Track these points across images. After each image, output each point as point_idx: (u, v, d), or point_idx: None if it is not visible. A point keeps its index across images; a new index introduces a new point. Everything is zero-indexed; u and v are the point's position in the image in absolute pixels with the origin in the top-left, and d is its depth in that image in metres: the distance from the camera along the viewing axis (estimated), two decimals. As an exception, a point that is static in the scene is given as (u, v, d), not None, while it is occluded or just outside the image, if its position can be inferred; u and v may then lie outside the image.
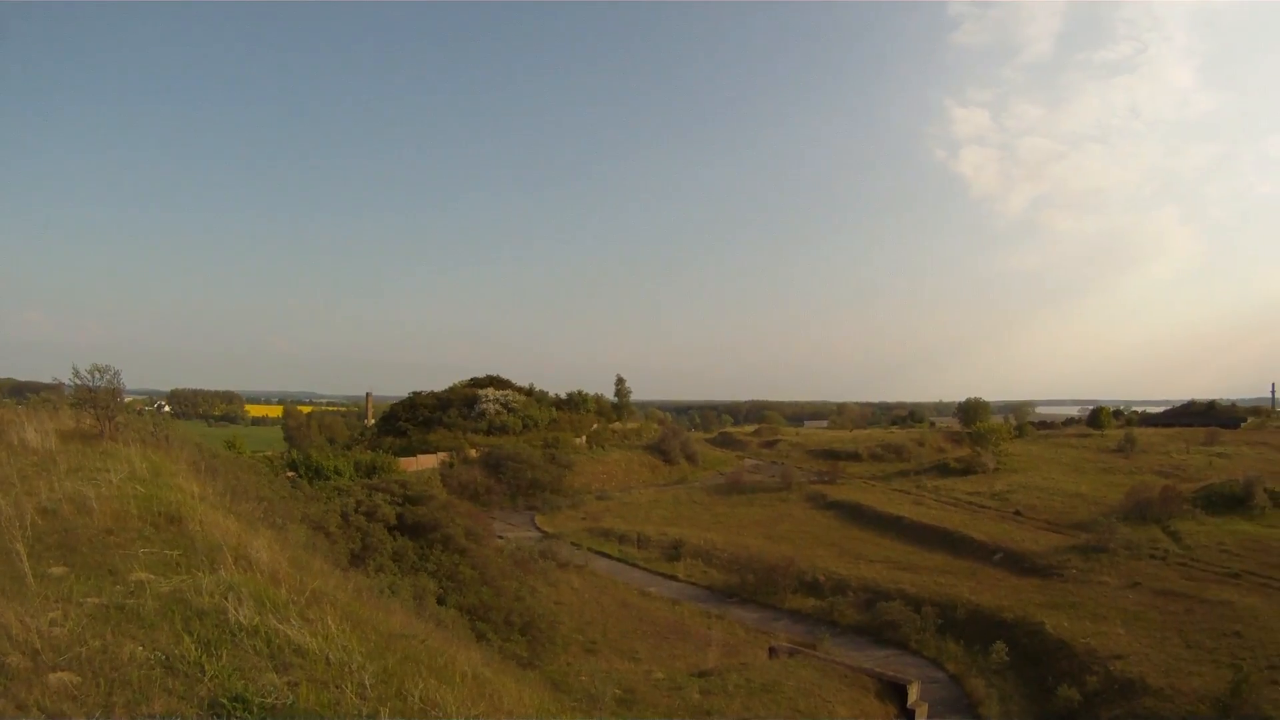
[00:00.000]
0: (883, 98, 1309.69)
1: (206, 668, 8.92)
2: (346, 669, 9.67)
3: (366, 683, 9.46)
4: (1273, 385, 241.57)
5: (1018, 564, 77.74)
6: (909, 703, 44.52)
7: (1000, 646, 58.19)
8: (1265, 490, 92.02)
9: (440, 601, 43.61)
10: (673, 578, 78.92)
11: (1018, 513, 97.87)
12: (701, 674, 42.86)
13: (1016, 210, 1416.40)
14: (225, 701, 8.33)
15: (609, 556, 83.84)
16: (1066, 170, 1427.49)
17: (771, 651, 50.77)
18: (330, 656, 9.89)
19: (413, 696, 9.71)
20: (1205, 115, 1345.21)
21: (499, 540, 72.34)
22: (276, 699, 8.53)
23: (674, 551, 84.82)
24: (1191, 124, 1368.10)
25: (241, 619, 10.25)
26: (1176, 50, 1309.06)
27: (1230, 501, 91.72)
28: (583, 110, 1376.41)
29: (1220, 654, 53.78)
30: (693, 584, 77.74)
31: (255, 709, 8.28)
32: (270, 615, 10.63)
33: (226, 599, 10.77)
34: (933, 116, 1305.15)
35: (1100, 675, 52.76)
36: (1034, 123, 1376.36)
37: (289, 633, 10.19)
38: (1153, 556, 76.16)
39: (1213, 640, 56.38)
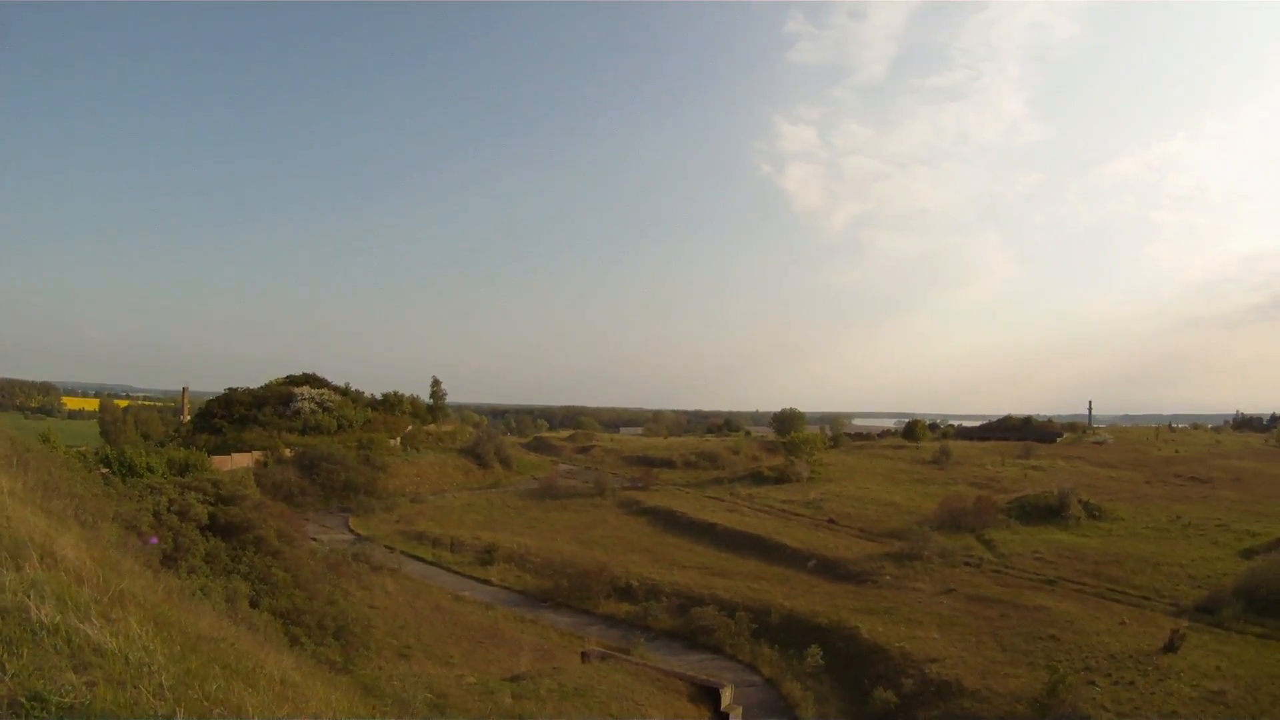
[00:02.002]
0: (711, 110, 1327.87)
1: (7, 666, 8.65)
2: (146, 669, 9.42)
3: (165, 684, 9.18)
4: (1089, 402, 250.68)
5: (831, 570, 78.76)
6: (723, 706, 45.08)
7: (815, 650, 58.98)
8: (1079, 501, 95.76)
9: (253, 604, 42.77)
10: (486, 582, 78.54)
11: (831, 521, 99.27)
12: (514, 678, 42.84)
13: (839, 227, 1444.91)
14: (24, 700, 8.13)
15: (422, 560, 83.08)
16: (891, 190, 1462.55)
17: (584, 656, 50.96)
18: (130, 657, 9.64)
19: (213, 698, 9.55)
20: (1033, 145, 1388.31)
21: (312, 542, 71.35)
22: (74, 698, 8.32)
23: (487, 556, 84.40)
24: (1018, 152, 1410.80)
25: (43, 618, 10.00)
26: (1009, 80, 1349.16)
27: (1044, 512, 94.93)
28: (401, 111, 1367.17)
29: (1036, 657, 55.28)
30: (506, 588, 77.45)
31: (53, 708, 8.11)
32: (72, 614, 10.37)
33: (29, 597, 10.52)
34: (761, 131, 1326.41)
35: (916, 678, 53.76)
36: (862, 143, 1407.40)
37: (90, 632, 9.95)
38: (967, 564, 78.22)
39: (1028, 644, 57.95)
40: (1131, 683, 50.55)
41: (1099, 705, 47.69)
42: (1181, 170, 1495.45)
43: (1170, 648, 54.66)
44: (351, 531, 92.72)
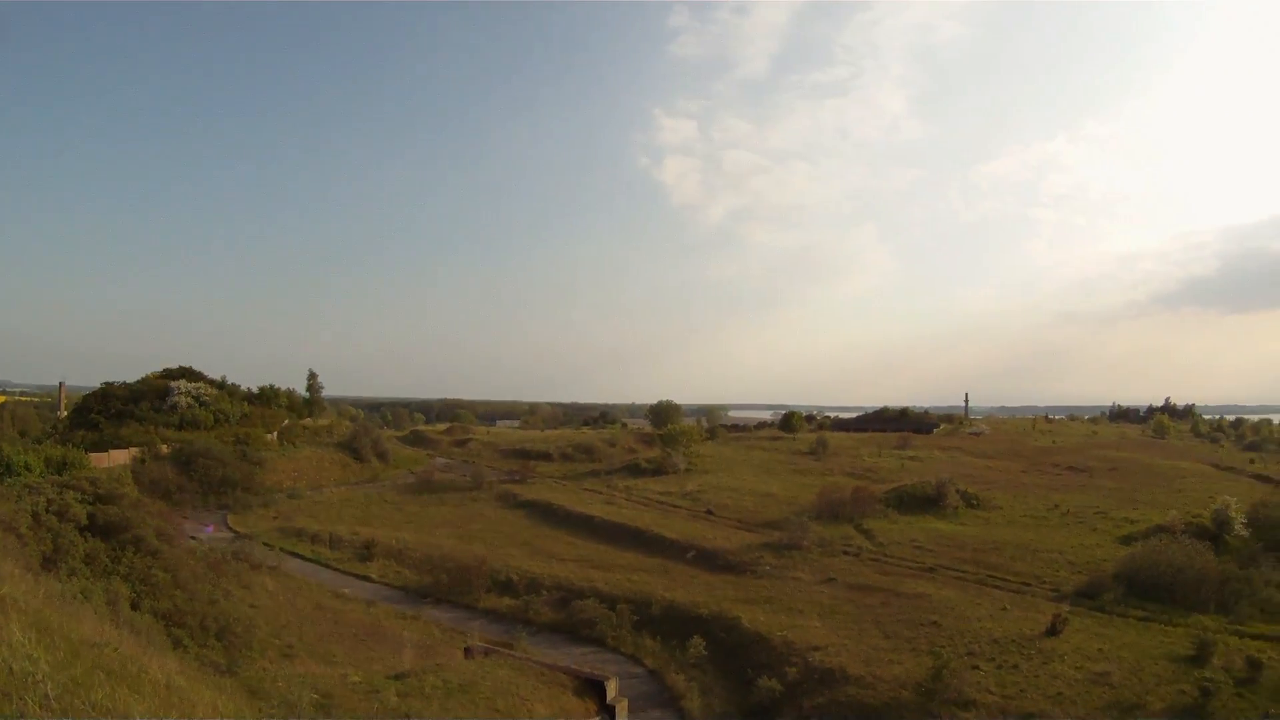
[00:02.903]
0: (591, 102, 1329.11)
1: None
2: (30, 679, 9.36)
3: (50, 693, 9.14)
4: (965, 395, 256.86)
5: (711, 561, 79.57)
6: (609, 698, 45.20)
7: (698, 641, 59.38)
8: (957, 491, 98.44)
9: (134, 607, 42.02)
10: (366, 578, 77.81)
11: (709, 512, 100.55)
12: (398, 676, 42.50)
13: (716, 220, 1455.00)
14: (-97, 717, 8.15)
15: (302, 557, 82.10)
16: (768, 184, 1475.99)
17: (467, 652, 50.78)
18: (14, 667, 9.60)
19: (99, 707, 9.48)
20: (913, 142, 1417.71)
21: (191, 541, 70.39)
22: (-43, 712, 8.34)
23: (366, 551, 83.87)
24: (898, 149, 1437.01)
25: (-77, 628, 9.99)
26: (891, 79, 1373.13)
27: (923, 502, 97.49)
28: (282, 104, 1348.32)
29: (919, 643, 56.47)
30: (387, 584, 76.77)
31: None
32: (-50, 623, 10.36)
33: (-98, 606, 10.50)
34: (640, 124, 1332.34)
35: (800, 666, 54.41)
36: (740, 137, 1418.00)
37: (-30, 642, 9.95)
38: (846, 553, 79.70)
39: (910, 630, 59.14)
40: (1015, 666, 51.88)
41: (984, 689, 48.87)
42: (1061, 170, 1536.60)
43: (1053, 631, 56.33)
44: (230, 529, 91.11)
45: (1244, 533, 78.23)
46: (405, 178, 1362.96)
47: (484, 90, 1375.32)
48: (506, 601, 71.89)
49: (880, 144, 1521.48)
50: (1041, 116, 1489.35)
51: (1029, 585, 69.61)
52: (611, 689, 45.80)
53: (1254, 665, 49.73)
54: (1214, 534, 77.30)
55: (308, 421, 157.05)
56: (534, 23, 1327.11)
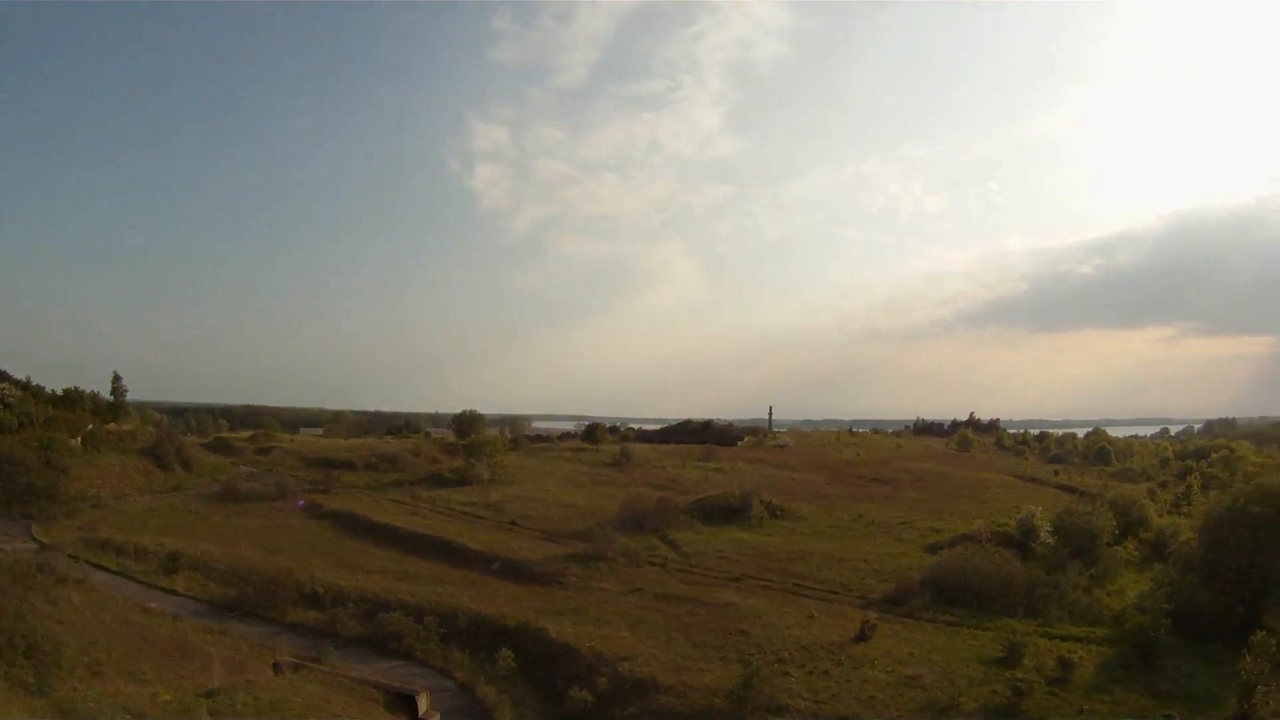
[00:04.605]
0: (404, 104, 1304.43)
1: None
2: None
3: None
4: (770, 408, 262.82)
5: (516, 573, 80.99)
6: (421, 712, 46.56)
7: (506, 653, 59.77)
8: (761, 502, 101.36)
9: (-59, 624, 42.25)
10: (172, 591, 76.14)
11: (513, 523, 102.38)
12: (209, 694, 42.49)
13: (524, 229, 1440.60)
14: None
15: (108, 570, 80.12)
16: (578, 195, 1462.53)
17: (276, 667, 51.41)
18: None
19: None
20: (725, 158, 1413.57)
21: (-5, 554, 69.67)
22: None
23: (171, 564, 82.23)
24: (710, 164, 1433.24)
25: None
26: (708, 94, 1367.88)
27: (727, 513, 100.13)
28: (96, 95, 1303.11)
29: (728, 651, 57.90)
30: (193, 598, 75.09)
31: None
32: None
33: None
34: (453, 128, 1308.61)
35: (610, 676, 55.35)
36: (553, 146, 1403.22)
37: None
38: (652, 563, 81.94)
39: (719, 639, 60.73)
40: (826, 672, 53.80)
41: (795, 694, 50.55)
42: (873, 190, 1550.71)
43: (862, 637, 58.58)
44: (35, 539, 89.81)
45: (1050, 540, 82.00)
46: (217, 175, 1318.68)
47: (305, 88, 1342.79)
48: (313, 615, 71.31)
49: (692, 159, 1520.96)
50: (857, 136, 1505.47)
51: (836, 593, 72.20)
52: (423, 703, 47.27)
53: (1066, 665, 52.86)
54: (1020, 542, 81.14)
55: (112, 426, 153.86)
56: (360, 21, 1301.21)
